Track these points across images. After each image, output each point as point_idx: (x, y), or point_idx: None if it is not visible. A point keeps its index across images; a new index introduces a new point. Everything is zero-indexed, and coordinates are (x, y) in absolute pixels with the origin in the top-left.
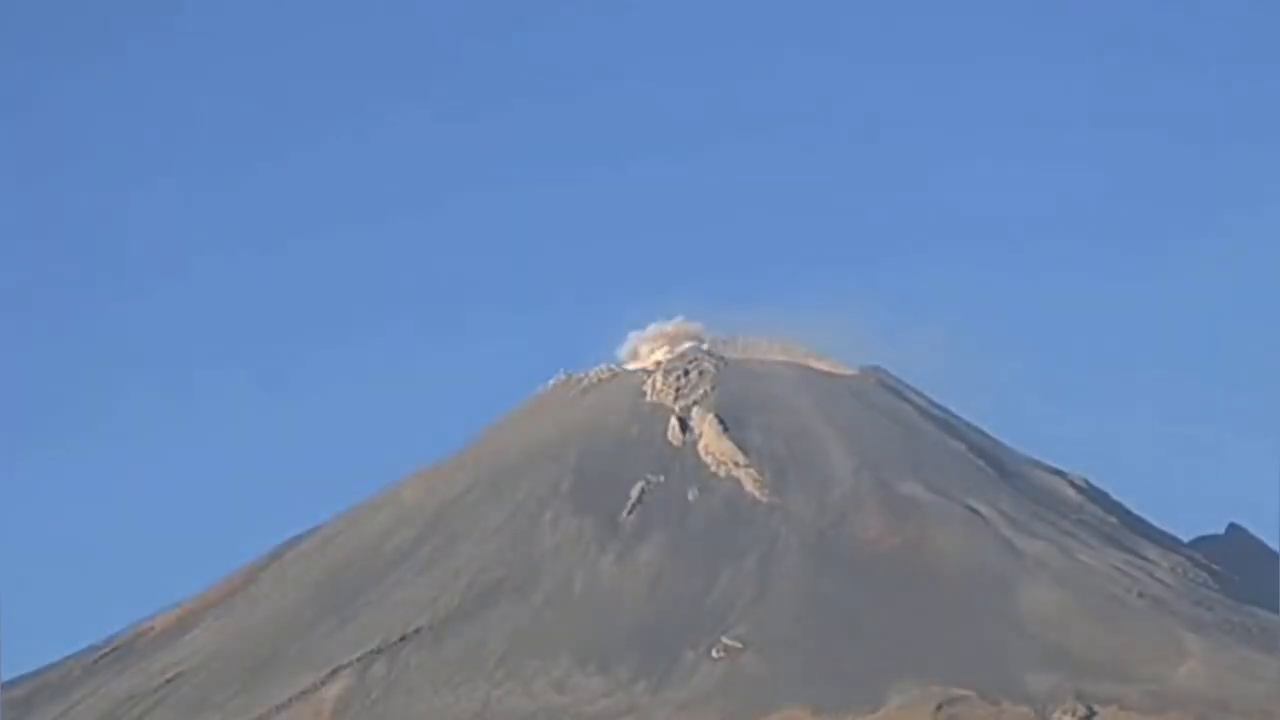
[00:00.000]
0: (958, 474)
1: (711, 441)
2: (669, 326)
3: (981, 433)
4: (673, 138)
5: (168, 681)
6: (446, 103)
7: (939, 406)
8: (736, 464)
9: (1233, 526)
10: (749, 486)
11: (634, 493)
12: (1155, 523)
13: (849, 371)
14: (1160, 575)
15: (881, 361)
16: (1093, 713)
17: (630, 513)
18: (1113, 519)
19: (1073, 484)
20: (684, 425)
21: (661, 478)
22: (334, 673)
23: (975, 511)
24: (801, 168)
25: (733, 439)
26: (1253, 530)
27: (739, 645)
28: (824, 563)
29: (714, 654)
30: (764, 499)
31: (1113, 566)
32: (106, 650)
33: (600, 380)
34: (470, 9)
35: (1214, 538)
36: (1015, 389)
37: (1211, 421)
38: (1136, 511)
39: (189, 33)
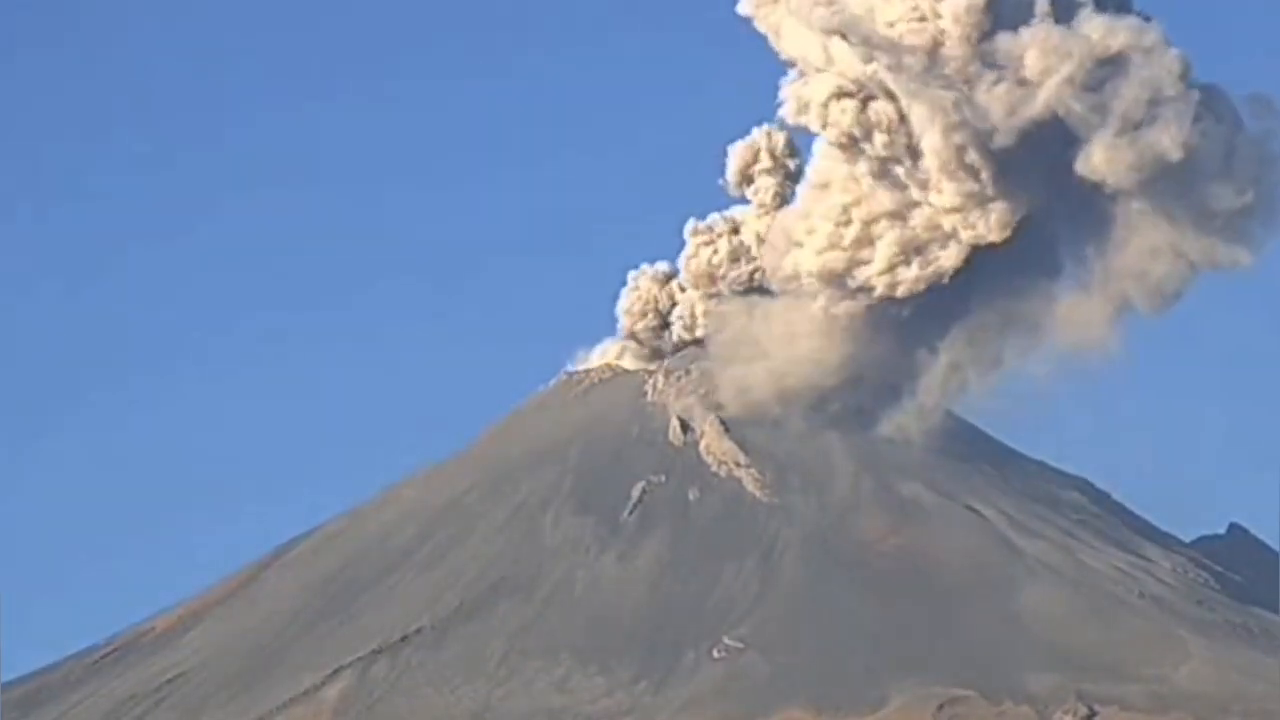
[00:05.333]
0: (959, 474)
1: (713, 441)
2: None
3: (982, 433)
4: (679, 136)
5: (168, 682)
6: (450, 95)
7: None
8: (738, 464)
9: (1234, 526)
10: (750, 487)
11: (635, 493)
12: (1156, 523)
13: None
14: (1161, 575)
15: None
16: (1094, 713)
17: (631, 513)
18: (1114, 519)
19: (1074, 484)
20: (685, 425)
21: (663, 478)
22: (334, 673)
23: (976, 512)
24: None
25: (734, 439)
26: (1254, 530)
27: (740, 645)
28: (825, 563)
29: (715, 654)
30: (765, 499)
31: (1114, 566)
32: (106, 650)
33: (601, 380)
34: None
35: (1215, 538)
36: (1017, 389)
37: (1212, 421)
38: (1137, 511)
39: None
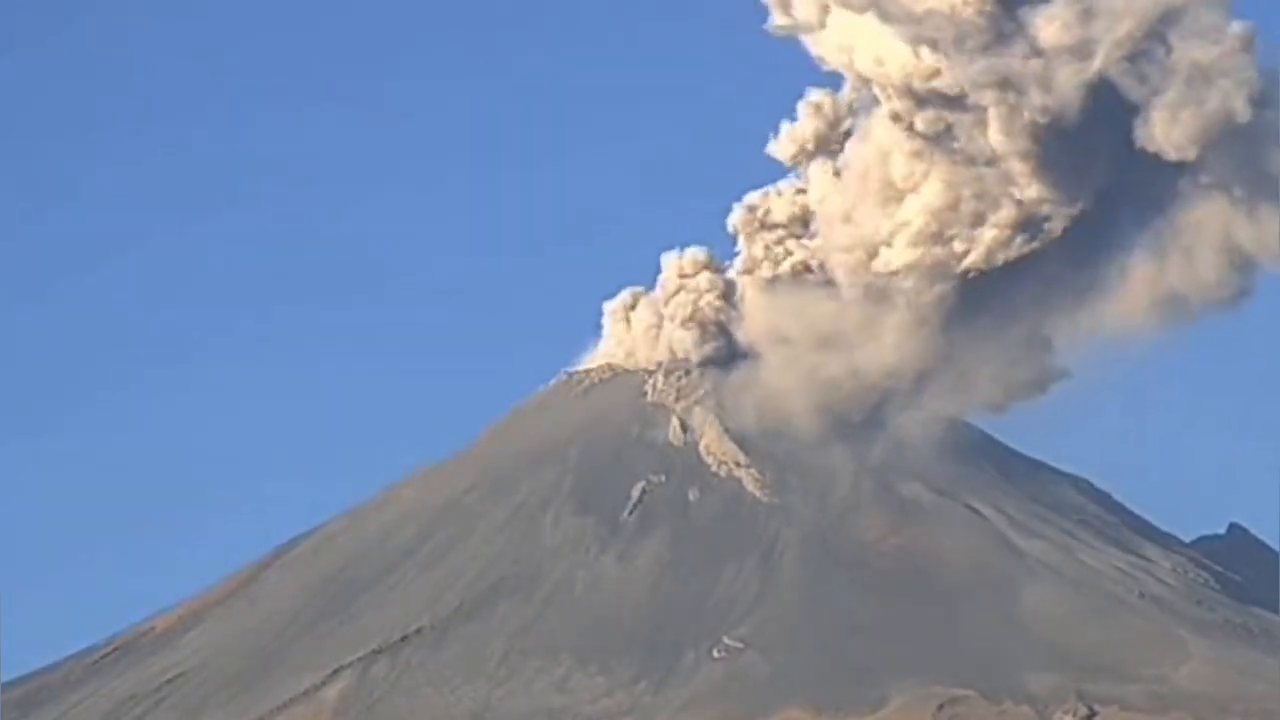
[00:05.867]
0: (959, 474)
1: (712, 441)
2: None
3: (983, 433)
4: (676, 135)
5: (168, 682)
6: (450, 95)
7: None
8: (738, 464)
9: (1234, 526)
10: (750, 487)
11: (635, 493)
12: (1156, 523)
13: None
14: (1161, 575)
15: None
16: (1094, 713)
17: (631, 513)
18: (1114, 519)
19: (1074, 484)
20: (685, 425)
21: (663, 478)
22: (335, 673)
23: (976, 512)
24: None
25: (734, 439)
26: (1254, 530)
27: (740, 645)
28: (825, 563)
29: (715, 654)
30: (765, 499)
31: (1114, 566)
32: (106, 650)
33: (601, 380)
34: None
35: (1215, 538)
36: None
37: (1212, 421)
38: (1138, 511)
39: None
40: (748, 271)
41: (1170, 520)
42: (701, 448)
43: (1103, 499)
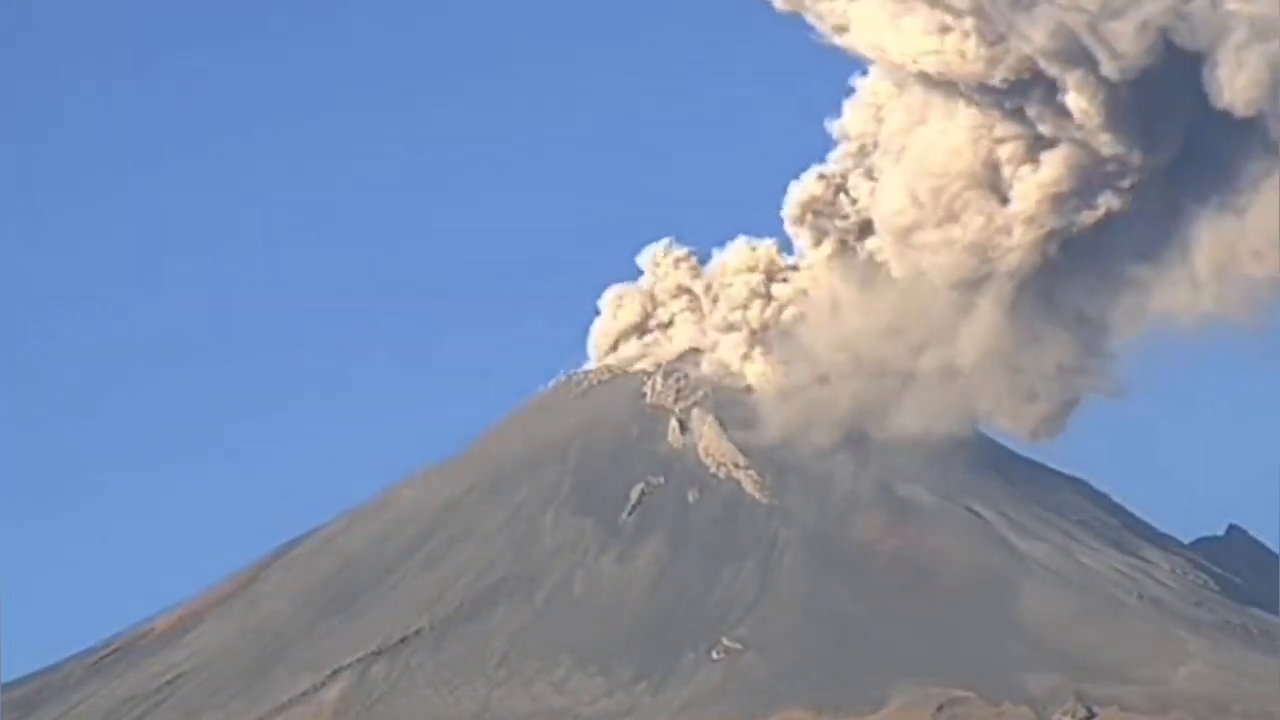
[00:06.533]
0: (958, 475)
1: (711, 443)
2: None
3: (982, 435)
4: (676, 135)
5: (168, 683)
6: (450, 94)
7: None
8: (736, 465)
9: (1233, 528)
10: (749, 488)
11: (634, 494)
12: (1155, 524)
13: None
14: (1160, 577)
15: None
16: (1093, 714)
17: (630, 514)
18: (1113, 521)
19: (1073, 486)
20: (684, 426)
21: (662, 479)
22: (335, 673)
23: (976, 513)
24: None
25: (733, 440)
26: (1253, 532)
27: (739, 646)
28: (824, 564)
29: (714, 655)
30: (764, 500)
31: (1113, 568)
32: (106, 651)
33: (600, 381)
34: None
35: (1214, 539)
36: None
37: (1212, 421)
38: (1137, 513)
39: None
40: (815, 272)
41: (1169, 522)
42: (700, 449)
43: (1102, 501)
